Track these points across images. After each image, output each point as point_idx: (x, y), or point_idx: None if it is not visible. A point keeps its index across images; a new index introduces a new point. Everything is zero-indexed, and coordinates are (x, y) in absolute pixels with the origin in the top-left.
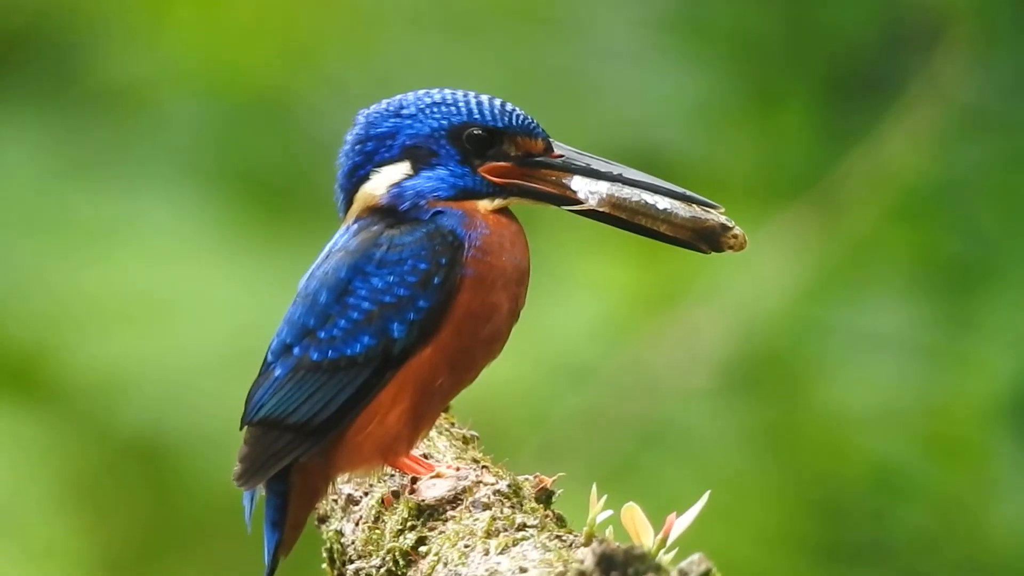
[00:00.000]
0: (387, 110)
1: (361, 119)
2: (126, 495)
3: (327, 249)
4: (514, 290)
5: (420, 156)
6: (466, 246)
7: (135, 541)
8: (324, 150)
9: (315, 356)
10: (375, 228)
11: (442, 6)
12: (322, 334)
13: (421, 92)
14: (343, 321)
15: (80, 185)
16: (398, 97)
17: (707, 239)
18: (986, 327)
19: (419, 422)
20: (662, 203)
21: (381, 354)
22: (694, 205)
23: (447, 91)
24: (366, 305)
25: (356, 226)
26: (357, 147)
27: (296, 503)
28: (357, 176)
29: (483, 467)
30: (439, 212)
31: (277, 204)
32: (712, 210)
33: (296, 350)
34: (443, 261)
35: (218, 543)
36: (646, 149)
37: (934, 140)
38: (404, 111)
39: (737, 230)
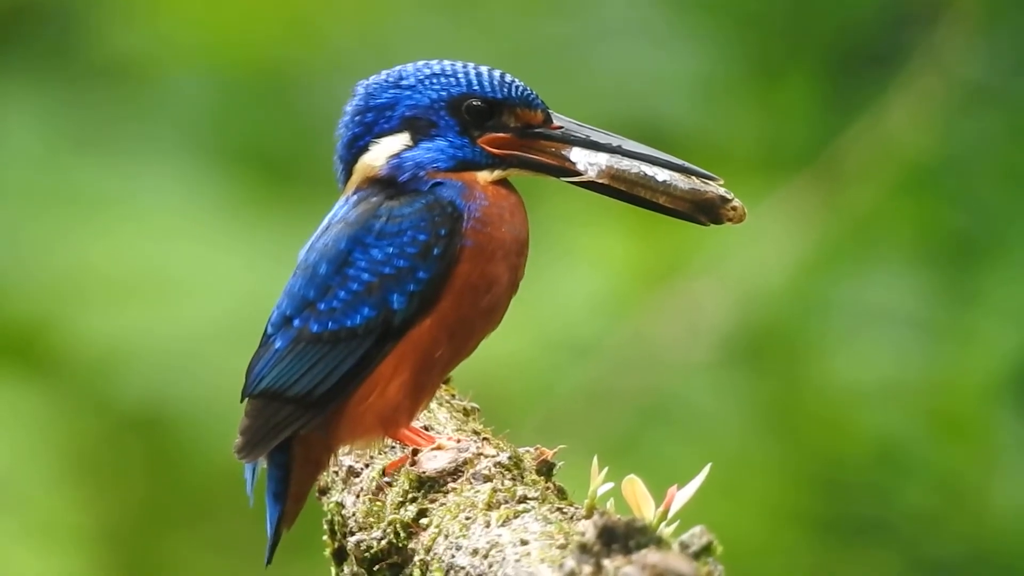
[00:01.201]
0: (386, 81)
1: (360, 90)
2: (127, 468)
3: (326, 220)
4: (513, 261)
5: (419, 127)
6: (465, 217)
7: (136, 514)
8: (324, 123)
9: (315, 328)
10: (374, 199)
11: None
12: (322, 306)
13: (421, 63)
14: (343, 292)
15: (82, 159)
16: (397, 68)
17: (706, 211)
18: (988, 301)
19: (419, 393)
20: (661, 175)
21: (381, 325)
22: (693, 177)
23: (446, 62)
24: (366, 276)
25: (355, 197)
26: (356, 118)
27: (298, 475)
28: (356, 147)
29: (484, 439)
30: (438, 183)
31: (278, 177)
32: (711, 182)
33: (296, 322)
34: (443, 232)
35: (220, 516)
36: (648, 122)
37: (936, 114)
38: (403, 82)
39: (736, 202)
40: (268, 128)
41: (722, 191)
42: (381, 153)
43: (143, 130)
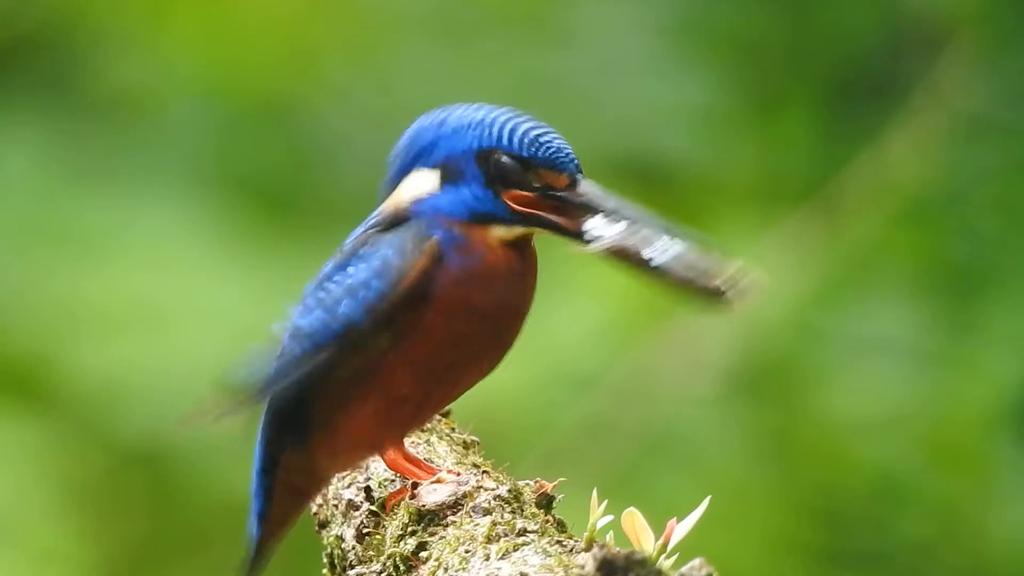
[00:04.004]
0: (434, 121)
1: (414, 125)
2: (126, 502)
3: (343, 244)
4: (490, 328)
5: (450, 172)
6: (445, 261)
7: (135, 548)
8: (324, 155)
9: (286, 339)
10: (370, 231)
11: (445, 12)
12: (303, 323)
13: (471, 107)
14: (310, 301)
15: (82, 191)
16: (449, 108)
17: (702, 299)
18: (989, 333)
19: (394, 427)
20: (660, 259)
21: (342, 337)
22: (701, 259)
23: (488, 110)
24: (332, 287)
25: (373, 221)
26: (403, 153)
27: (280, 498)
28: (398, 179)
29: (484, 472)
30: (437, 227)
31: (279, 210)
32: (719, 273)
33: (285, 341)
34: (409, 253)
35: (218, 549)
36: (648, 155)
37: (938, 146)
38: (446, 125)
39: (731, 295)
40: (267, 160)
41: (716, 283)
42: (408, 191)
43: (141, 162)
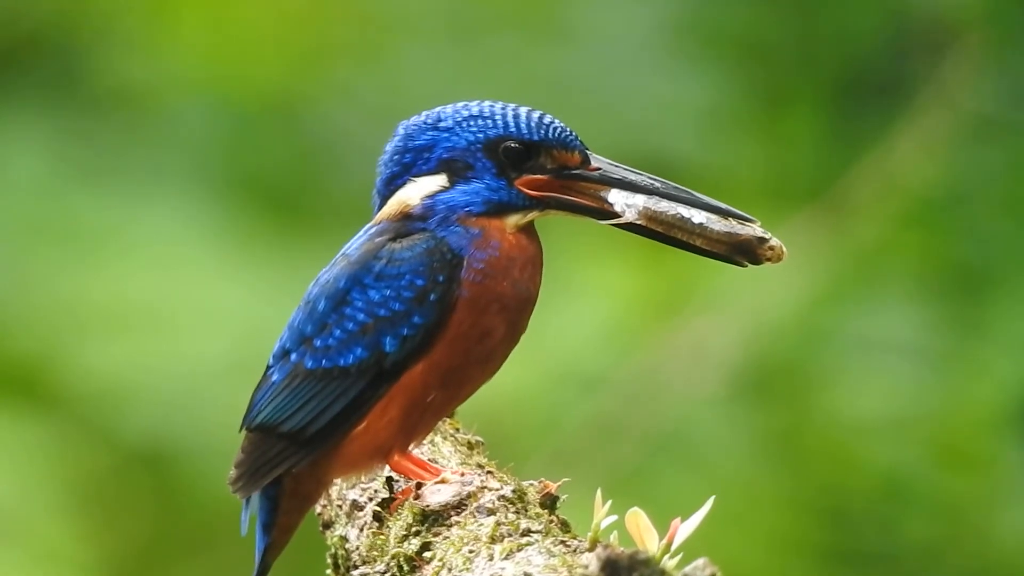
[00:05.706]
0: (425, 122)
1: (400, 131)
2: (131, 501)
3: (343, 249)
4: (512, 317)
5: (456, 169)
6: (465, 265)
7: (140, 547)
8: (332, 156)
9: (310, 364)
10: (379, 240)
11: (451, 12)
12: (318, 342)
13: (460, 105)
14: (338, 331)
15: (86, 190)
16: (437, 109)
17: (743, 252)
18: (996, 333)
19: (410, 434)
20: (697, 217)
21: (373, 367)
22: (731, 219)
23: (485, 104)
24: (361, 317)
25: (374, 230)
26: (395, 157)
27: (287, 506)
28: (395, 185)
29: (488, 473)
30: (449, 228)
31: (284, 210)
32: (748, 223)
33: (293, 356)
34: (440, 278)
35: (222, 549)
36: (655, 154)
37: (944, 146)
38: (441, 124)
39: (774, 241)
40: (273, 159)
41: (759, 232)
42: (416, 192)
43: (147, 161)
